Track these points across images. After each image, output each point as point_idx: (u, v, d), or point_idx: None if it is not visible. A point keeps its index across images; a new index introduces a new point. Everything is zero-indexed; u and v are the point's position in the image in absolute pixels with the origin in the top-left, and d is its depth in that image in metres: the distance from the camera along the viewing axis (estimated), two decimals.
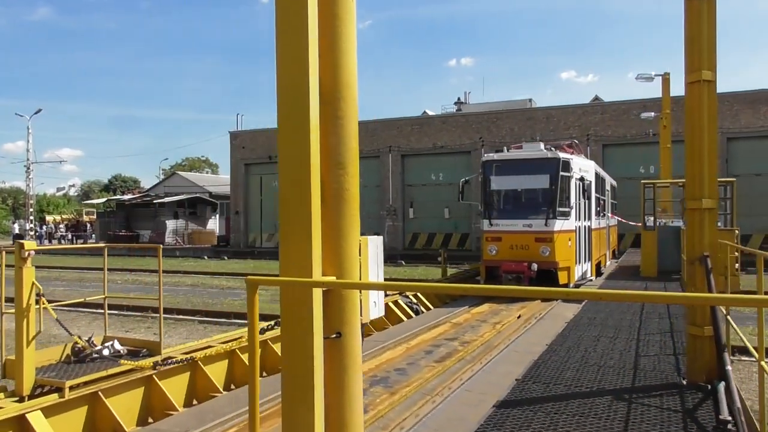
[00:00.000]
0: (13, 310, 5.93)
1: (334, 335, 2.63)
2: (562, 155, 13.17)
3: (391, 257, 36.87)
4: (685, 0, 5.22)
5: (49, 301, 6.18)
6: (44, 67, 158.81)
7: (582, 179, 13.41)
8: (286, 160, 2.21)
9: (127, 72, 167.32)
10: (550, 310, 11.43)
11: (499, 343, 8.94)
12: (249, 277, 2.10)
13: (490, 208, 13.44)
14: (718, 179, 15.39)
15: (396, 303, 11.47)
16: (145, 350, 6.82)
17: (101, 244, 8.48)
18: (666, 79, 19.45)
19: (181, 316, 14.86)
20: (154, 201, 47.07)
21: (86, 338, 6.75)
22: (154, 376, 6.64)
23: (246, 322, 12.89)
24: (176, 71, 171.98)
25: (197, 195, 49.56)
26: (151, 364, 6.45)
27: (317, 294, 2.14)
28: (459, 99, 44.50)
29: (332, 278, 2.31)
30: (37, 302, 5.99)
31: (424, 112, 45.62)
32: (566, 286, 13.15)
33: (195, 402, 7.21)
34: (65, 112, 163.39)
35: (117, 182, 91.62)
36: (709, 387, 5.10)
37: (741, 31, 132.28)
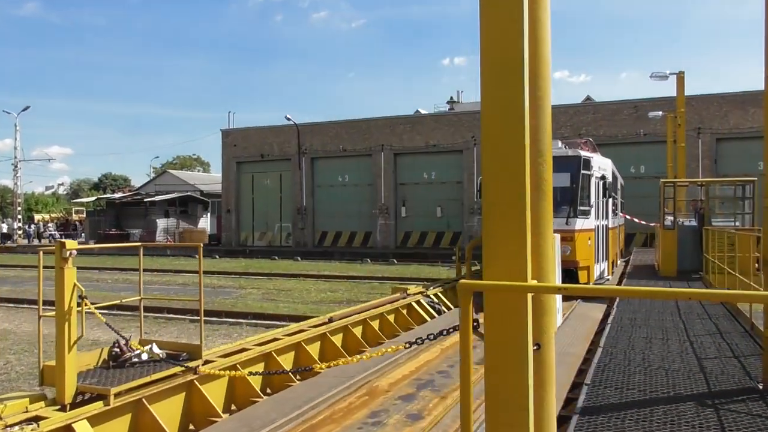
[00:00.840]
0: (51, 313, 5.64)
1: (535, 347, 2.44)
2: (583, 153, 13.07)
3: (383, 256, 36.73)
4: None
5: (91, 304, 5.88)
6: (32, 63, 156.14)
7: (603, 177, 13.32)
8: (493, 147, 1.98)
9: (117, 68, 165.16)
10: (574, 310, 11.32)
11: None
12: (462, 281, 1.88)
13: None
14: (737, 178, 15.39)
15: (419, 303, 11.29)
16: (185, 354, 6.54)
17: (137, 243, 8.15)
18: (681, 77, 19.48)
19: (171, 315, 14.56)
20: (145, 199, 46.41)
21: (123, 342, 6.46)
22: (195, 381, 6.37)
23: (234, 321, 12.36)
24: (167, 68, 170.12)
25: (188, 193, 48.99)
26: (199, 365, 6.19)
27: (529, 300, 1.92)
28: (452, 98, 44.50)
29: (546, 283, 2.08)
30: (78, 305, 5.69)
31: (417, 110, 45.55)
32: (586, 284, 13.08)
33: (233, 407, 6.96)
34: (54, 108, 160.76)
35: (107, 181, 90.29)
36: None
37: (720, 32, 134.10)
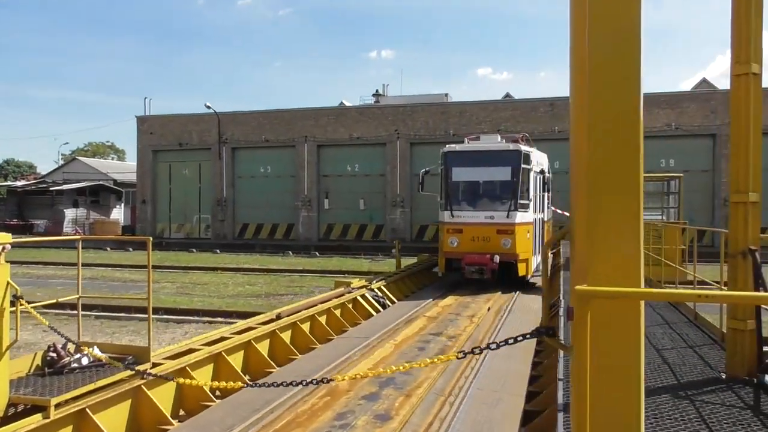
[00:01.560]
0: None
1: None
2: (523, 148, 13.23)
3: (305, 248, 36.22)
4: None
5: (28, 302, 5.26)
6: None
7: (542, 172, 13.56)
8: (602, 130, 1.75)
9: (21, 48, 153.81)
10: (516, 302, 11.44)
11: (483, 338, 8.77)
12: (578, 287, 1.65)
13: (452, 199, 13.27)
14: (664, 174, 16.06)
15: (363, 297, 11.05)
16: (130, 357, 6.00)
17: (76, 236, 7.32)
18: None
19: (75, 312, 13.64)
20: (51, 188, 43.46)
21: (60, 345, 5.86)
22: (142, 386, 5.87)
23: (143, 317, 11.71)
24: (79, 50, 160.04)
25: (100, 182, 46.31)
26: (148, 368, 5.69)
27: (642, 308, 1.71)
28: (377, 91, 44.31)
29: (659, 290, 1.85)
30: (12, 304, 5.08)
31: (341, 102, 45.11)
32: (524, 278, 13.28)
33: (182, 413, 6.49)
34: None
35: (9, 167, 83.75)
36: (755, 381, 5.10)
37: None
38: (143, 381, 5.87)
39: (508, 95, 43.62)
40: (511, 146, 13.40)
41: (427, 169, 15.11)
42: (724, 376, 5.32)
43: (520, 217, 12.79)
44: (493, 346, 3.18)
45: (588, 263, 1.72)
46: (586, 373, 1.61)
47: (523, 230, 12.83)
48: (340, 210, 39.95)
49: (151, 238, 6.05)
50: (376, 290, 11.75)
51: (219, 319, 13.06)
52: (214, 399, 6.41)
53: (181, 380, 5.54)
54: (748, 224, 5.18)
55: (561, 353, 6.26)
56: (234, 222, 40.80)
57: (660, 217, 14.79)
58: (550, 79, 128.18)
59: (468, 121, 38.25)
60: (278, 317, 8.49)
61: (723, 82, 65.37)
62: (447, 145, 14.22)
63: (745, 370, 5.21)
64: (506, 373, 7.23)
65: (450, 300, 11.52)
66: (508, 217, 12.60)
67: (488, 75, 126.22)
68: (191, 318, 13.09)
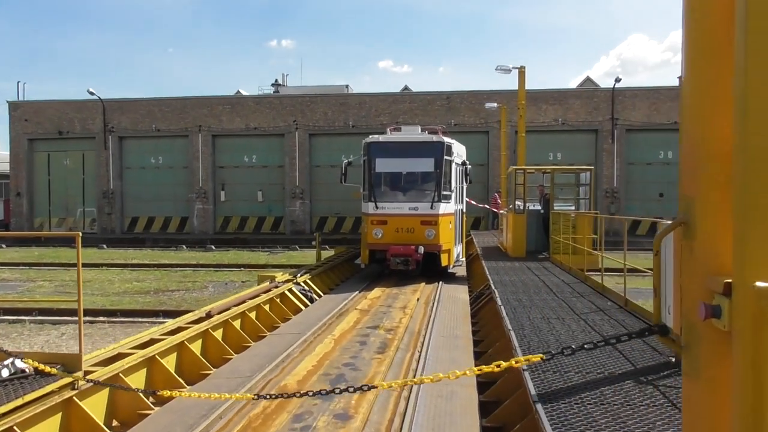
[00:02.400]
0: None
1: None
2: (446, 139, 13.30)
3: (200, 242, 34.89)
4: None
5: None
6: None
7: (464, 163, 13.70)
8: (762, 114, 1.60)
9: None
10: (441, 293, 11.49)
11: (420, 329, 8.71)
12: (761, 284, 1.49)
13: (376, 191, 13.11)
14: (577, 167, 16.75)
15: (291, 291, 10.66)
16: (59, 365, 5.37)
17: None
18: (522, 72, 20.79)
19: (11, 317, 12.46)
20: None
21: None
22: (74, 397, 5.27)
23: (15, 318, 10.76)
24: None
25: None
26: (79, 378, 5.11)
27: None
28: (277, 81, 43.30)
29: None
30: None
31: (238, 91, 43.69)
32: (447, 268, 13.40)
33: (115, 423, 5.92)
34: None
35: None
36: None
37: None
38: (75, 392, 5.28)
39: (406, 88, 44.12)
40: (434, 138, 13.45)
41: (349, 160, 14.88)
42: (674, 360, 5.53)
43: (443, 208, 12.89)
44: (589, 345, 3.01)
45: (746, 258, 1.59)
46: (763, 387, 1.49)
47: (446, 221, 12.94)
48: (237, 202, 38.81)
49: (80, 234, 5.42)
50: (302, 284, 11.41)
51: (101, 318, 12.37)
52: (152, 406, 5.90)
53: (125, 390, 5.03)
54: None
55: (516, 342, 6.30)
56: (122, 215, 38.54)
57: (573, 208, 15.46)
58: (448, 73, 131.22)
59: (367, 113, 38.33)
60: (209, 315, 7.99)
61: (606, 81, 69.57)
62: (370, 136, 14.04)
63: None
64: (451, 363, 7.18)
65: (377, 292, 11.40)
66: (431, 208, 12.66)
67: (389, 68, 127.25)
68: (69, 318, 12.11)
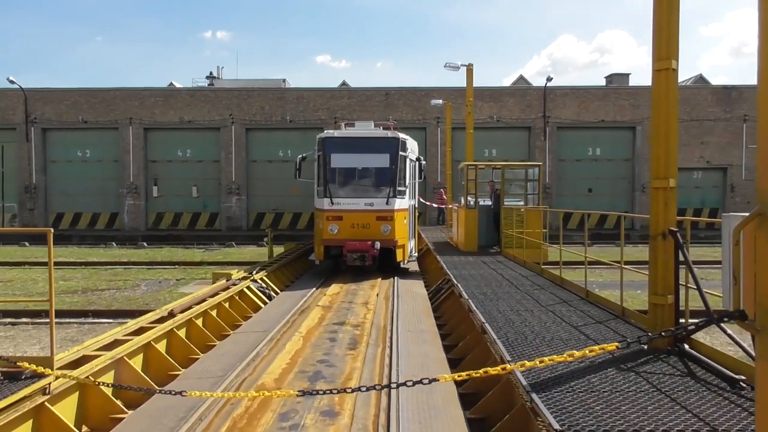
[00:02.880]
0: None
1: None
2: (401, 135, 13.32)
3: (131, 239, 33.69)
4: None
5: None
6: None
7: (418, 159, 13.77)
8: None
9: None
10: (399, 288, 11.53)
11: (385, 324, 8.71)
12: None
13: (331, 186, 12.99)
14: (526, 163, 17.18)
15: (249, 288, 10.44)
16: (27, 370, 5.06)
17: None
18: (470, 69, 21.02)
19: None
20: None
21: None
22: (46, 402, 4.99)
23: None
24: None
25: None
26: (51, 382, 4.84)
27: None
28: (211, 73, 42.25)
29: None
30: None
31: (171, 83, 42.35)
32: (401, 263, 13.45)
33: (85, 428, 5.65)
34: None
35: None
36: (677, 348, 5.60)
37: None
38: (46, 397, 5.01)
39: (344, 83, 43.94)
40: (390, 133, 13.48)
41: (303, 155, 14.66)
42: (645, 348, 5.77)
43: (399, 203, 12.94)
44: (668, 332, 3.05)
45: None
46: None
47: (401, 216, 13.00)
48: (171, 197, 37.76)
49: (52, 230, 5.13)
50: (259, 281, 11.19)
51: (24, 319, 11.79)
52: (126, 410, 5.66)
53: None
54: (668, 208, 5.63)
55: (494, 335, 6.40)
56: (46, 211, 36.76)
57: (521, 203, 15.84)
58: (386, 69, 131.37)
59: (305, 107, 38.01)
60: (171, 314, 7.72)
61: (538, 80, 71.30)
62: (325, 131, 13.90)
63: (665, 342, 5.69)
64: (424, 357, 7.24)
65: (336, 288, 11.32)
66: (387, 203, 12.68)
67: (327, 62, 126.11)
68: None
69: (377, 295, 10.68)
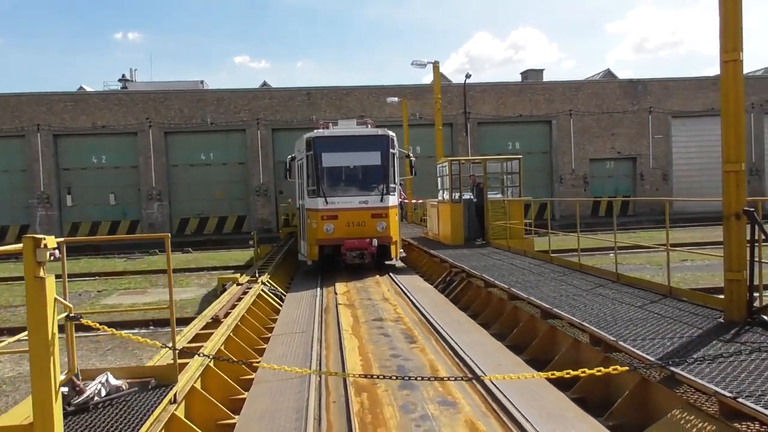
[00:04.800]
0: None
1: None
2: (390, 133, 13.46)
3: None
4: None
5: None
6: None
7: (408, 156, 13.97)
8: None
9: None
10: (402, 283, 11.71)
11: (419, 318, 8.86)
12: None
13: (325, 185, 12.90)
14: (506, 156, 17.66)
15: (264, 292, 10.26)
16: (152, 380, 4.87)
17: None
18: (436, 66, 21.34)
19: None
20: None
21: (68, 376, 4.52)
22: (174, 412, 4.85)
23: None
24: None
25: None
26: (177, 391, 4.71)
27: None
28: (124, 76, 40.29)
29: None
30: (61, 329, 3.81)
31: (81, 87, 40.02)
32: (394, 259, 13.64)
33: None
34: None
35: None
36: (756, 318, 6.11)
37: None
38: (174, 406, 4.87)
39: (265, 84, 43.28)
40: (380, 131, 13.61)
41: (293, 155, 14.45)
42: (722, 321, 6.28)
43: (392, 200, 13.13)
44: None
45: None
46: None
47: (393, 213, 13.18)
48: (87, 206, 35.91)
49: (168, 235, 4.96)
50: (267, 283, 11.01)
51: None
52: (232, 415, 5.57)
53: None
54: (739, 189, 6.19)
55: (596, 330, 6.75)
56: None
57: (499, 196, 16.41)
58: (307, 69, 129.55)
59: (226, 109, 37.21)
60: (216, 320, 7.55)
61: (457, 77, 72.86)
62: (315, 131, 13.78)
63: (741, 315, 6.22)
64: (482, 345, 7.47)
65: (343, 287, 11.34)
66: (381, 201, 12.82)
67: (246, 63, 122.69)
68: None
69: (387, 291, 10.82)
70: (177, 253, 30.38)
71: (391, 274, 12.80)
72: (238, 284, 10.30)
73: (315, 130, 13.70)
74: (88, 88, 39.79)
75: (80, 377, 4.57)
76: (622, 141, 37.83)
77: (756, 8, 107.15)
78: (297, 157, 13.77)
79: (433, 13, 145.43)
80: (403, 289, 10.91)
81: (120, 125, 36.03)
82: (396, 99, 30.00)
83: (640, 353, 5.35)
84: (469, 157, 17.17)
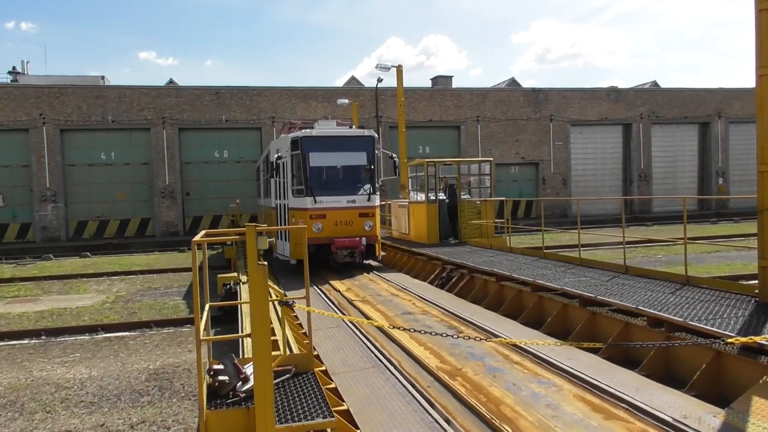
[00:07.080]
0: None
1: None
2: (374, 134, 13.53)
3: None
4: (756, 10, 6.87)
5: None
6: None
7: (392, 157, 14.04)
8: None
9: None
10: (395, 280, 11.82)
11: (443, 311, 8.99)
12: None
13: (313, 185, 12.69)
14: (478, 159, 18.06)
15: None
16: (291, 367, 4.74)
17: None
18: (399, 70, 21.35)
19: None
20: None
21: (216, 367, 4.33)
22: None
23: None
24: None
25: None
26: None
27: None
28: (15, 68, 37.07)
29: None
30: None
31: None
32: (377, 258, 13.72)
33: None
34: None
35: None
36: None
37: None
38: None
39: (171, 81, 41.50)
40: (366, 132, 13.72)
41: (279, 154, 14.03)
42: (757, 301, 7.01)
43: (378, 200, 13.28)
44: None
45: None
46: None
47: (377, 213, 13.29)
48: None
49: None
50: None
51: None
52: (340, 401, 5.53)
53: None
54: None
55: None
56: None
57: (467, 196, 16.87)
58: (216, 68, 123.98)
59: (129, 106, 35.42)
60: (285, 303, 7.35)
61: (369, 81, 72.97)
62: (302, 131, 13.51)
63: None
64: (519, 332, 7.81)
65: (341, 285, 11.27)
66: (369, 200, 12.89)
67: (152, 59, 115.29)
68: None
69: (387, 287, 10.91)
70: (74, 257, 28.52)
71: (375, 272, 12.91)
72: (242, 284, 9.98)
73: (302, 130, 13.50)
74: None
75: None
76: (526, 147, 39.99)
77: None
78: (283, 156, 13.44)
79: (346, 17, 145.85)
80: (401, 285, 11.05)
81: (9, 120, 33.29)
82: (346, 101, 30.22)
83: (715, 329, 5.90)
84: (443, 160, 17.48)
